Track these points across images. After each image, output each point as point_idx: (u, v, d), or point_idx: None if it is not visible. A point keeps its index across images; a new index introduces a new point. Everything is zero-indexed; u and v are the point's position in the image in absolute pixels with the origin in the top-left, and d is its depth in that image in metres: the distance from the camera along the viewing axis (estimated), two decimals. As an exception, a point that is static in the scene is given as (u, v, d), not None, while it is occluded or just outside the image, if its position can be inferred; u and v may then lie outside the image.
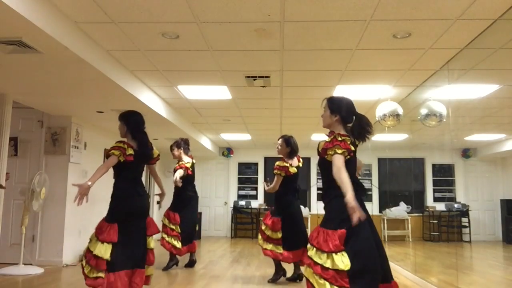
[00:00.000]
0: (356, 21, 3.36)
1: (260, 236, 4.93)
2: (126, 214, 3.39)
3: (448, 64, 4.32)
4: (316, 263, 2.56)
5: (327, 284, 2.48)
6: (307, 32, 3.59)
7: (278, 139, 4.98)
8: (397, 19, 3.32)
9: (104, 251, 3.19)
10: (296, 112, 6.73)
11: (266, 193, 11.15)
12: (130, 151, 3.43)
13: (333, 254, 2.50)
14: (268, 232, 4.77)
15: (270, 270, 5.63)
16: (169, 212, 5.56)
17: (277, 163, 4.81)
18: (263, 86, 5.22)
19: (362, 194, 2.77)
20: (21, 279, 4.82)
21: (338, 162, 2.60)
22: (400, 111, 5.18)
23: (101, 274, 3.17)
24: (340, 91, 5.40)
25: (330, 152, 2.68)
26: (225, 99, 5.88)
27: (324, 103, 3.06)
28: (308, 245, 2.70)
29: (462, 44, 3.81)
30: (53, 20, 3.11)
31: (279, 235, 4.68)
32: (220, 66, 4.50)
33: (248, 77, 4.85)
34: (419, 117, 4.94)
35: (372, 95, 5.58)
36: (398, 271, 5.73)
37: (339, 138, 2.72)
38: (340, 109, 2.94)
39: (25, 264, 5.22)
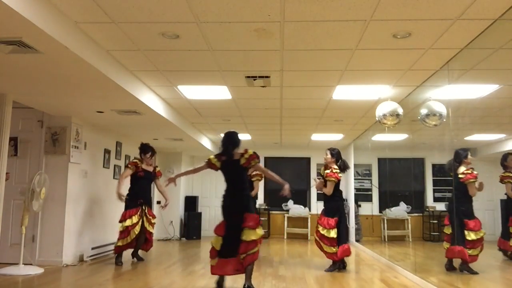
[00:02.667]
0: (356, 21, 3.36)
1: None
2: (223, 213, 4.46)
3: (448, 64, 4.32)
4: (322, 235, 5.58)
5: (326, 246, 5.60)
6: (307, 32, 3.59)
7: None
8: (397, 19, 3.32)
9: (215, 242, 4.32)
10: (296, 112, 6.73)
11: (266, 194, 11.15)
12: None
13: (331, 230, 5.57)
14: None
15: (270, 270, 5.64)
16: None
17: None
18: (263, 86, 5.22)
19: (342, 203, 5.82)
20: (21, 279, 4.82)
21: (330, 187, 5.65)
22: (400, 111, 5.18)
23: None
24: (340, 91, 5.40)
25: (329, 179, 5.64)
26: (225, 99, 5.89)
27: (327, 151, 5.78)
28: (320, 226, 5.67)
29: (462, 44, 3.82)
30: (53, 20, 3.11)
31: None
32: (220, 66, 4.50)
33: (248, 77, 4.85)
34: (419, 117, 4.93)
35: (372, 95, 5.59)
36: (398, 271, 5.73)
37: (334, 171, 5.63)
38: (335, 155, 5.77)
39: (25, 264, 5.21)
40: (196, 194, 10.81)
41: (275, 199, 10.89)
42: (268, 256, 7.08)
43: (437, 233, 9.86)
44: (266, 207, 10.86)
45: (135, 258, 6.26)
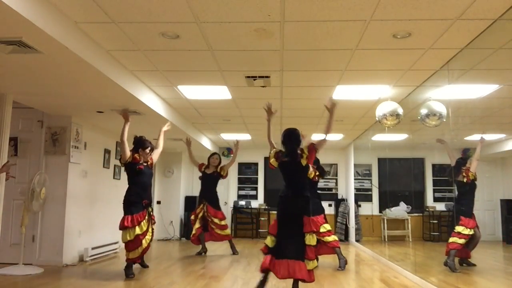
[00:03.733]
0: (356, 21, 3.36)
1: None
2: (280, 213, 4.16)
3: (448, 64, 4.32)
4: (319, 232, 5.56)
5: (330, 237, 5.80)
6: (307, 32, 3.59)
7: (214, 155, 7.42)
8: (397, 19, 3.32)
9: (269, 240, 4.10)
10: (296, 112, 6.73)
11: (266, 193, 11.15)
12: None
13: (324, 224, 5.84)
14: None
15: (270, 270, 5.64)
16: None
17: None
18: (263, 86, 5.22)
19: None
20: (21, 279, 4.82)
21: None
22: (400, 111, 5.18)
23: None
24: (340, 91, 5.40)
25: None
26: (225, 99, 5.88)
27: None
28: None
29: (462, 44, 3.82)
30: (53, 20, 3.11)
31: None
32: (220, 66, 4.50)
33: (248, 77, 4.85)
34: (419, 117, 4.93)
35: (372, 95, 5.58)
36: (398, 271, 5.73)
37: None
38: (315, 163, 5.77)
39: (25, 264, 5.22)
40: (196, 194, 10.75)
41: (275, 199, 10.88)
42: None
43: (437, 233, 9.86)
44: (266, 207, 10.86)
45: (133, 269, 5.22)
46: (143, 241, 5.00)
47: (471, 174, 5.66)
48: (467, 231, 5.43)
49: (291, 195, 4.13)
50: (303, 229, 3.99)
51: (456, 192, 6.05)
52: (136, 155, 5.25)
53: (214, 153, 7.51)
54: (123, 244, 5.09)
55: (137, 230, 4.96)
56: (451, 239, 5.46)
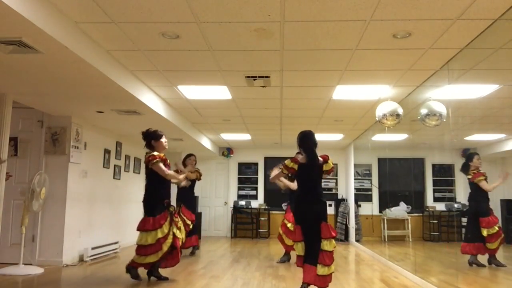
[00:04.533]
0: (356, 21, 3.36)
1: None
2: (299, 217, 4.10)
3: (448, 64, 4.32)
4: (288, 229, 5.73)
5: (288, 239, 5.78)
6: (307, 32, 3.60)
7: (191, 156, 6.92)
8: (397, 19, 3.32)
9: (297, 248, 4.04)
10: (296, 112, 6.73)
11: (266, 193, 11.15)
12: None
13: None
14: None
15: (270, 270, 5.64)
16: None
17: None
18: (263, 86, 5.22)
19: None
20: (21, 279, 4.82)
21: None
22: (400, 111, 5.18)
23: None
24: (340, 91, 5.40)
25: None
26: (225, 99, 5.89)
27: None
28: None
29: (462, 44, 3.82)
30: (53, 20, 3.12)
31: None
32: (220, 66, 4.50)
33: (248, 77, 4.85)
34: (419, 117, 4.93)
35: (372, 95, 5.59)
36: (398, 271, 5.73)
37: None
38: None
39: (25, 264, 5.21)
40: (196, 194, 10.78)
41: (275, 199, 10.89)
42: (268, 256, 7.08)
43: (437, 233, 9.86)
44: (266, 207, 10.86)
45: (151, 278, 4.80)
46: (163, 245, 4.56)
47: (478, 175, 5.77)
48: (493, 231, 5.62)
49: (310, 200, 4.05)
50: (320, 234, 3.93)
51: (469, 190, 6.11)
52: (162, 155, 4.75)
53: (191, 154, 6.99)
54: (137, 246, 4.64)
55: (159, 234, 4.54)
56: (488, 245, 5.65)
